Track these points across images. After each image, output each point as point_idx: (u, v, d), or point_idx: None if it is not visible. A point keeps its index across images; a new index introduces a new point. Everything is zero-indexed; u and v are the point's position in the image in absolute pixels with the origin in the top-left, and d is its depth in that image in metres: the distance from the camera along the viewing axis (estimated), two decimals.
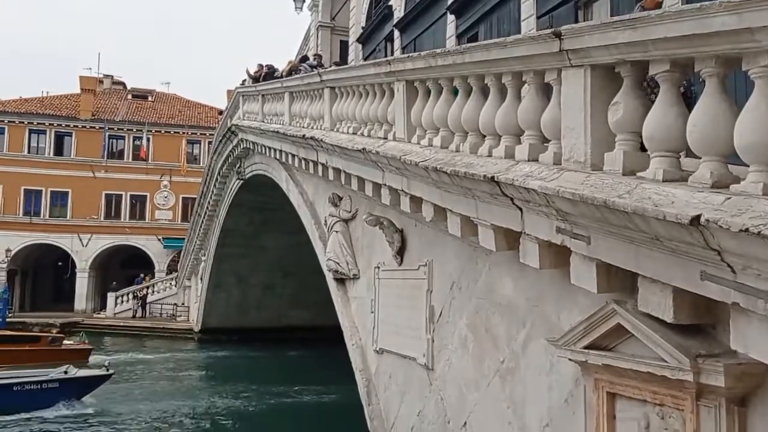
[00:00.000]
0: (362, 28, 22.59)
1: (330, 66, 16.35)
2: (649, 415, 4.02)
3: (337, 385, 20.77)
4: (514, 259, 5.69)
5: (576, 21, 11.66)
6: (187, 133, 47.28)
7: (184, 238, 40.46)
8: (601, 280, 4.23)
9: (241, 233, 28.17)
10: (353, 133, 9.30)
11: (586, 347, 4.35)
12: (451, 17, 15.55)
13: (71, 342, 25.92)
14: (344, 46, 27.16)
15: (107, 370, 18.66)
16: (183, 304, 40.36)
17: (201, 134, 47.71)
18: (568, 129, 4.49)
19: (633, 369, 3.98)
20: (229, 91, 48.40)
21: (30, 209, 43.48)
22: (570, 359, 4.56)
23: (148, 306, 40.71)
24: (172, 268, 44.78)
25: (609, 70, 4.29)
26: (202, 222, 31.72)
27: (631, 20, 3.85)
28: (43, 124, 44.49)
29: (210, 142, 46.72)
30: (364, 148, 7.87)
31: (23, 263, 44.53)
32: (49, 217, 43.94)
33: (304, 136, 11.17)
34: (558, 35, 4.40)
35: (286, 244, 28.25)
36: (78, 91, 47.90)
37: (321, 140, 10.10)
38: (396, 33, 19.40)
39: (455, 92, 6.51)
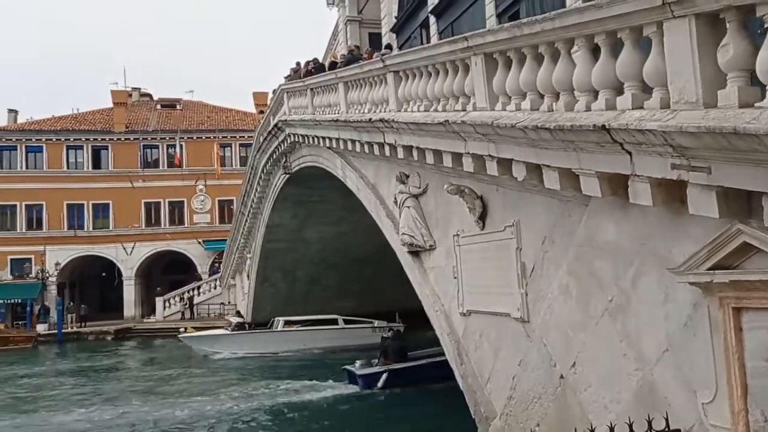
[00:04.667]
0: (395, 17, 23.05)
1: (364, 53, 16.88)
2: None
3: None
4: (615, 204, 6.19)
5: None
6: (218, 137, 48.20)
7: (223, 240, 41.47)
8: (722, 206, 4.69)
9: (286, 228, 28.83)
10: (425, 111, 9.80)
11: (710, 269, 4.82)
12: None
13: None
14: (372, 38, 27.64)
15: None
16: (229, 302, 41.33)
17: (231, 137, 48.66)
18: (676, 74, 4.94)
19: (761, 280, 4.45)
20: (255, 93, 49.57)
21: (74, 223, 44.89)
22: (692, 283, 5.04)
23: (195, 307, 41.75)
24: (214, 270, 45.80)
25: (712, 17, 4.74)
26: (246, 220, 32.47)
27: None
28: (80, 139, 45.80)
29: (241, 145, 47.82)
30: (446, 120, 8.35)
31: (70, 276, 45.88)
32: (93, 229, 45.33)
33: (370, 120, 11.68)
34: None
35: (327, 236, 29.01)
36: (108, 105, 49.28)
37: (391, 120, 10.60)
38: (432, 19, 19.85)
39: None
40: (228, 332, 30.21)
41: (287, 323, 30.37)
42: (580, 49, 6.17)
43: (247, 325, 30.84)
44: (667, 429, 5.38)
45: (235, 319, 31.36)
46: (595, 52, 6.08)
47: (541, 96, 6.89)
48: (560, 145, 6.17)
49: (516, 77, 7.23)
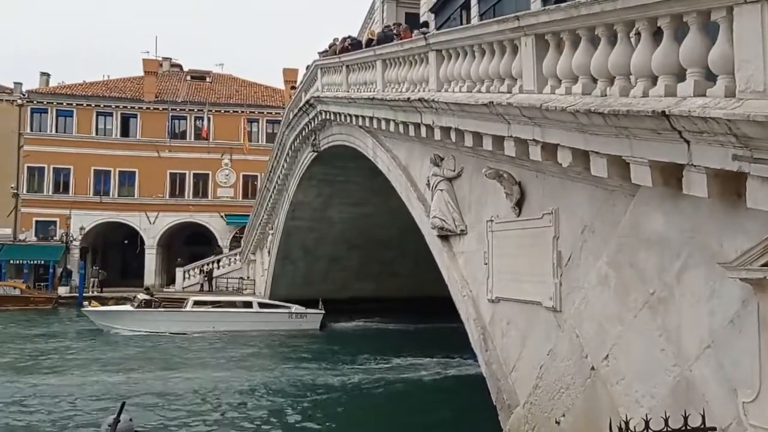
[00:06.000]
0: None
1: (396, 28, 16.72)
2: None
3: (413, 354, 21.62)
4: (664, 195, 6.03)
5: None
6: (246, 112, 48.28)
7: (245, 215, 41.67)
8: None
9: (310, 206, 28.86)
10: (468, 91, 9.65)
11: (763, 265, 4.67)
12: None
13: None
14: (409, 17, 27.37)
15: None
16: (248, 277, 41.54)
17: (259, 113, 48.71)
18: (744, 62, 4.77)
19: None
20: (285, 70, 49.61)
21: (100, 189, 45.38)
22: (743, 278, 4.89)
23: (214, 280, 42.06)
24: (234, 245, 46.10)
25: None
26: (271, 196, 32.54)
27: None
28: (110, 106, 46.15)
29: (268, 121, 47.90)
30: (491, 102, 8.20)
31: (93, 241, 46.46)
32: (118, 196, 45.75)
33: (408, 99, 11.55)
34: None
35: (351, 216, 29.00)
36: (139, 73, 49.46)
37: (431, 100, 10.47)
38: (473, 0, 19.64)
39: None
40: (131, 309, 28.81)
41: (197, 303, 29.51)
42: (642, 32, 5.99)
43: (153, 303, 29.43)
44: (702, 426, 5.28)
45: (142, 296, 29.89)
46: (654, 36, 5.91)
47: (594, 80, 6.73)
48: (612, 131, 6.01)
49: (569, 60, 7.07)
